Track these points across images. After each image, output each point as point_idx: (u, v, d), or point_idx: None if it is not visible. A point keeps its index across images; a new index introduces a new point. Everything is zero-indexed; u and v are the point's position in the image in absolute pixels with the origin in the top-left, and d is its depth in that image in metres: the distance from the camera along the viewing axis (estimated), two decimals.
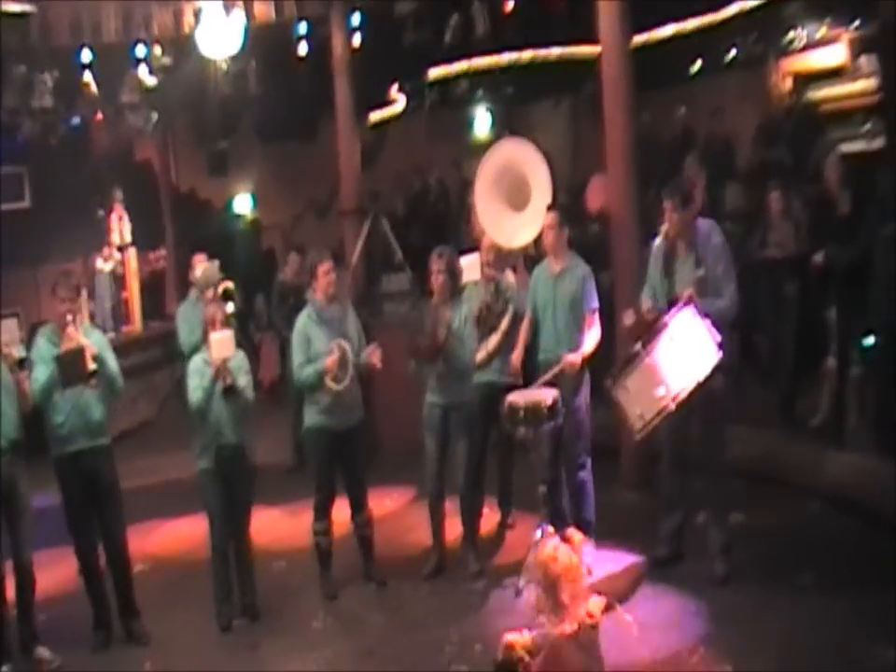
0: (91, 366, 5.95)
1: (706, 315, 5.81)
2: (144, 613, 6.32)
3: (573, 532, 3.87)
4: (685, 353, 5.76)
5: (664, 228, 6.23)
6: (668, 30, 11.58)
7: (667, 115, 11.89)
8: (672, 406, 5.69)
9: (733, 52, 12.41)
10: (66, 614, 6.52)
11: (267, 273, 10.02)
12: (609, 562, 6.40)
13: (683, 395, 5.70)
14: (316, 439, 6.57)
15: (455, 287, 6.63)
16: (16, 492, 5.94)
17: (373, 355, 6.47)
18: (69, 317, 6.06)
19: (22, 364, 5.86)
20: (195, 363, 6.34)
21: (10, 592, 6.02)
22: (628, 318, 6.33)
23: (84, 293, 7.35)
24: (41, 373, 6.02)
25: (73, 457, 6.12)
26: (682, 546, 6.34)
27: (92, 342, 6.11)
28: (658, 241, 6.36)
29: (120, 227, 12.60)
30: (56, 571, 6.90)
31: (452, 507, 6.71)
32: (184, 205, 14.24)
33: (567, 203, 10.05)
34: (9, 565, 5.99)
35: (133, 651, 6.13)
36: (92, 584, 6.25)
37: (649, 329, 5.90)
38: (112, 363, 6.18)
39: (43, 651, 6.06)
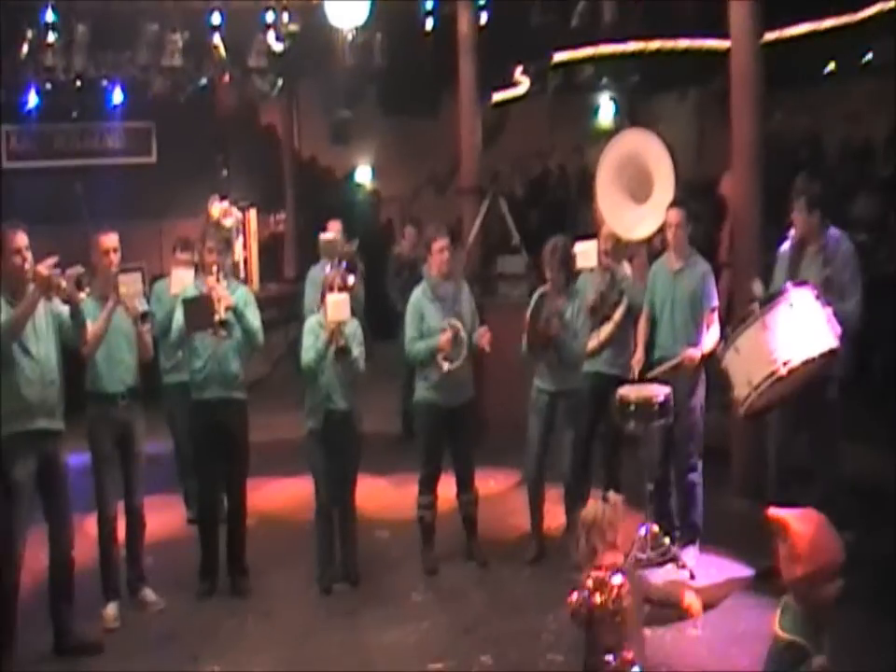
0: (221, 316, 6.07)
1: (827, 306, 5.67)
2: (248, 567, 6.44)
3: (613, 494, 4.16)
4: (802, 323, 5.60)
5: (792, 232, 6.12)
6: (802, 28, 11.30)
7: (797, 116, 11.64)
8: (783, 371, 5.52)
9: (868, 55, 12.05)
10: (171, 560, 6.71)
11: (385, 244, 10.08)
12: (713, 568, 6.35)
13: (796, 363, 5.52)
14: (425, 413, 6.61)
15: (567, 278, 6.57)
16: (131, 437, 6.10)
17: (483, 337, 6.46)
18: (214, 268, 6.21)
19: (145, 317, 6.00)
20: (310, 323, 6.42)
21: (120, 533, 6.18)
22: (757, 287, 6.21)
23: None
24: (179, 316, 6.21)
25: (207, 405, 6.28)
26: None
27: (236, 296, 6.24)
28: (785, 245, 6.24)
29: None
30: (164, 517, 7.14)
31: (558, 494, 6.68)
32: (305, 172, 14.41)
33: (689, 198, 9.97)
34: (121, 507, 6.15)
35: (236, 602, 6.26)
36: (206, 533, 6.39)
37: None
38: (252, 318, 6.29)
39: (149, 593, 6.24)
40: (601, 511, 4.07)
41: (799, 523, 3.49)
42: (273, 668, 5.48)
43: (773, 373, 5.57)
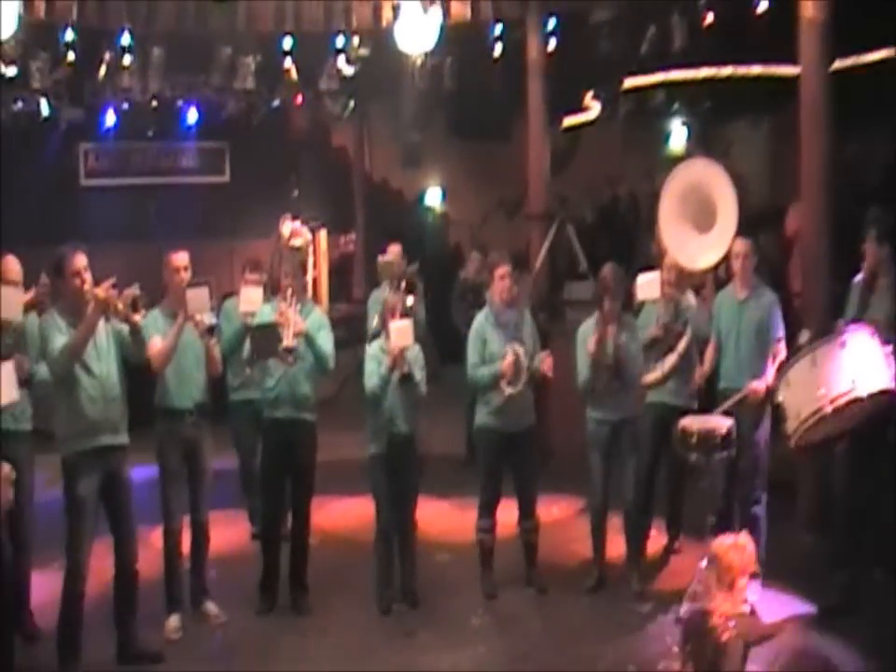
0: (288, 343, 6.13)
1: (887, 344, 5.59)
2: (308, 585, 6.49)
3: (745, 537, 4.15)
4: (854, 363, 5.55)
5: (865, 264, 6.05)
6: (879, 54, 11.13)
7: (873, 145, 11.45)
8: (828, 409, 5.48)
9: None
10: (234, 574, 6.80)
11: (453, 268, 10.14)
12: (774, 604, 6.25)
13: (842, 401, 5.47)
14: (486, 438, 6.62)
15: (621, 307, 6.54)
16: (199, 452, 6.19)
17: (545, 363, 6.45)
18: (288, 291, 6.29)
19: (212, 331, 6.08)
20: (372, 349, 6.48)
21: (185, 547, 6.27)
22: (803, 337, 6.14)
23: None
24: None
25: (277, 424, 6.36)
26: (856, 599, 6.08)
27: (310, 319, 6.32)
28: (859, 277, 6.16)
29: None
30: (229, 532, 7.23)
31: (620, 524, 6.64)
32: (375, 193, 14.55)
33: (760, 227, 9.88)
34: (186, 521, 6.25)
35: (295, 619, 6.32)
36: (269, 550, 6.45)
37: None
38: (324, 342, 6.35)
39: (211, 606, 6.32)
40: (727, 548, 4.03)
41: None
42: None
43: (819, 409, 5.55)
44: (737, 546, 4.04)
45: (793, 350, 6.08)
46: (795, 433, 5.70)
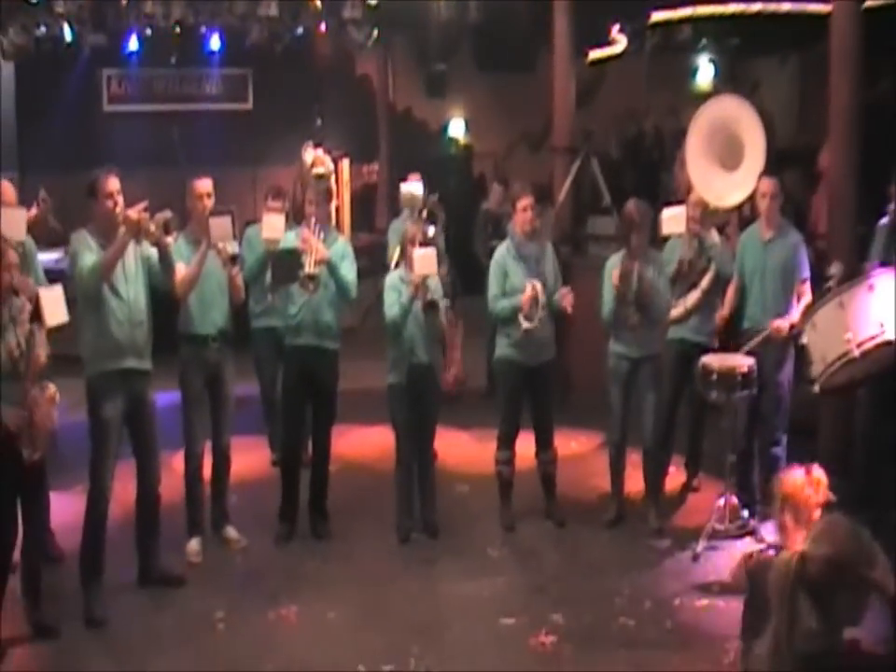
0: (310, 270, 6.11)
1: None
2: (329, 512, 6.56)
3: (817, 469, 3.87)
4: (882, 306, 5.49)
5: (891, 207, 5.96)
6: None
7: None
8: (856, 352, 5.44)
9: None
10: (255, 500, 6.86)
11: (476, 199, 10.08)
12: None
13: (870, 345, 5.44)
14: (505, 370, 6.62)
15: (647, 242, 6.48)
16: (221, 378, 6.22)
17: (565, 298, 6.42)
18: (312, 219, 6.28)
19: (234, 260, 6.06)
20: (391, 279, 6.45)
21: (206, 472, 6.33)
22: (834, 268, 6.09)
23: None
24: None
25: (299, 351, 6.37)
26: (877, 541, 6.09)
27: (333, 248, 6.29)
28: (884, 220, 6.08)
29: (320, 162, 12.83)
30: (249, 458, 7.29)
31: (639, 459, 6.66)
32: (399, 123, 14.40)
33: (788, 165, 9.75)
34: (207, 446, 6.30)
35: (315, 545, 6.39)
36: (289, 476, 6.49)
37: None
38: (347, 272, 6.33)
39: (231, 531, 6.39)
40: (801, 484, 3.81)
41: None
42: (349, 612, 5.58)
43: (846, 353, 5.50)
44: (812, 480, 3.93)
45: (822, 286, 6.00)
46: (821, 376, 5.67)
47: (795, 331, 6.22)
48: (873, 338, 5.45)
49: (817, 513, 3.68)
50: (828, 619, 2.84)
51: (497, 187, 9.84)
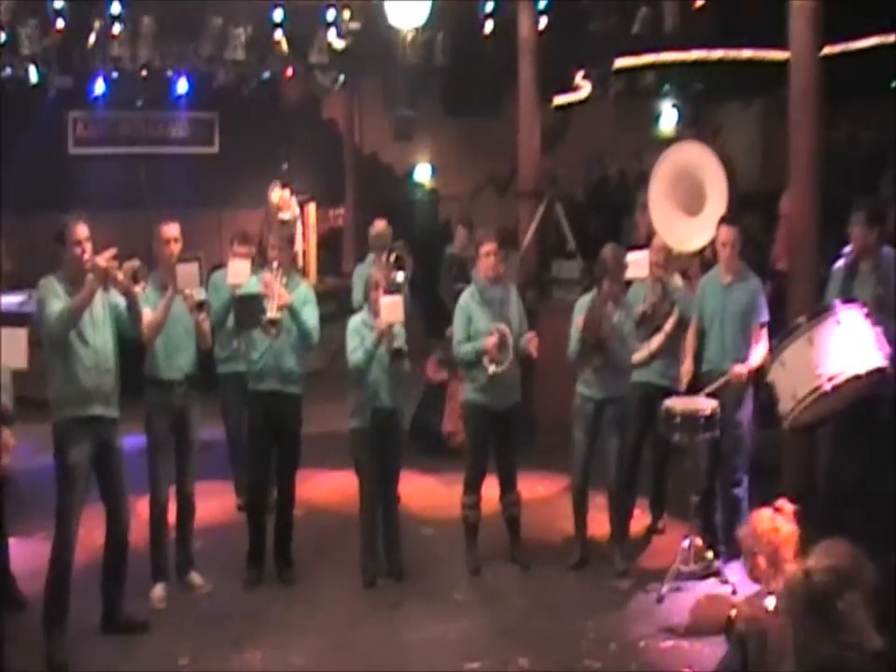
0: (272, 315, 6.14)
1: (877, 325, 5.64)
2: (294, 557, 6.54)
3: (784, 502, 3.93)
4: (850, 341, 5.60)
5: (847, 249, 6.10)
6: (870, 42, 11.17)
7: (862, 130, 11.52)
8: (828, 387, 5.53)
9: None
10: (220, 545, 6.83)
11: (442, 243, 10.14)
12: (756, 586, 6.31)
13: (840, 379, 5.53)
14: (472, 415, 6.65)
15: (618, 287, 6.55)
16: (187, 423, 6.21)
17: (531, 343, 6.48)
18: (275, 264, 6.30)
19: (201, 306, 6.07)
20: (354, 323, 6.47)
21: (171, 517, 6.30)
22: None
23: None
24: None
25: (262, 396, 6.37)
26: None
27: (296, 293, 6.32)
28: (840, 262, 6.21)
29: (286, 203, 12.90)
30: (215, 503, 7.25)
31: (604, 501, 6.69)
32: (366, 167, 14.50)
33: (751, 209, 9.91)
34: (172, 491, 6.27)
35: (280, 590, 6.35)
36: (254, 522, 6.48)
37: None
38: (308, 317, 6.35)
39: (196, 577, 6.36)
40: (771, 525, 3.86)
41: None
42: (314, 657, 5.55)
43: (817, 388, 5.59)
44: (780, 518, 3.89)
45: (787, 330, 6.08)
46: (791, 413, 5.74)
47: (753, 374, 6.31)
48: (843, 372, 5.54)
49: (789, 551, 3.70)
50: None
51: (461, 229, 9.93)
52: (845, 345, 5.60)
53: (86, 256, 5.41)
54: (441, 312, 9.02)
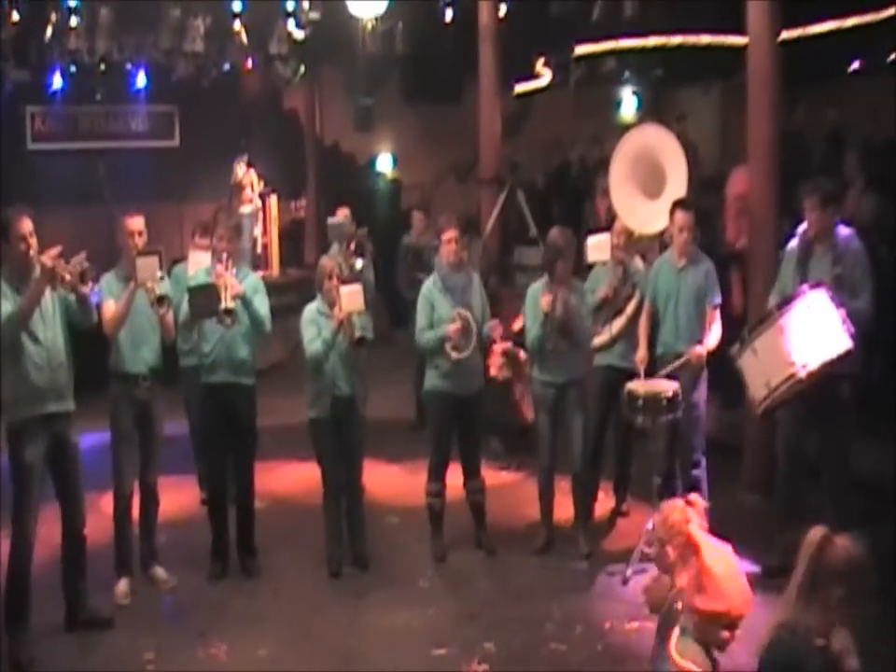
0: (227, 304, 6.11)
1: (841, 306, 5.70)
2: (259, 548, 6.53)
3: (696, 497, 3.92)
4: (820, 325, 5.66)
5: (802, 228, 6.15)
6: (826, 26, 11.25)
7: (820, 113, 11.61)
8: (802, 374, 5.60)
9: (893, 55, 11.96)
10: (184, 539, 6.80)
11: (404, 232, 10.13)
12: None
13: (814, 366, 5.59)
14: (435, 402, 6.66)
15: (569, 268, 6.55)
16: (151, 416, 6.18)
17: (494, 330, 6.50)
18: (224, 255, 6.26)
19: (162, 300, 6.00)
20: (309, 313, 6.43)
21: (135, 511, 6.26)
22: (772, 303, 6.24)
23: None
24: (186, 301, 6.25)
25: (214, 388, 6.35)
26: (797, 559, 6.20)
27: (246, 283, 6.28)
28: (793, 242, 6.26)
29: (249, 180, 12.83)
30: (179, 497, 7.23)
31: (568, 486, 6.72)
32: (327, 158, 14.42)
33: (709, 192, 9.98)
34: (136, 485, 6.23)
35: (245, 582, 6.35)
36: (216, 515, 6.47)
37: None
38: (261, 306, 6.33)
39: (160, 571, 6.33)
40: (682, 517, 3.84)
41: (712, 557, 3.46)
42: (280, 647, 5.55)
43: (791, 376, 5.64)
44: (691, 511, 3.89)
45: (759, 318, 6.09)
46: (764, 401, 5.80)
47: (713, 354, 6.36)
48: (815, 358, 5.60)
49: (721, 569, 3.67)
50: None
51: (417, 214, 9.88)
52: (815, 330, 5.65)
53: (31, 251, 5.34)
54: (404, 300, 9.04)
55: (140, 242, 6.07)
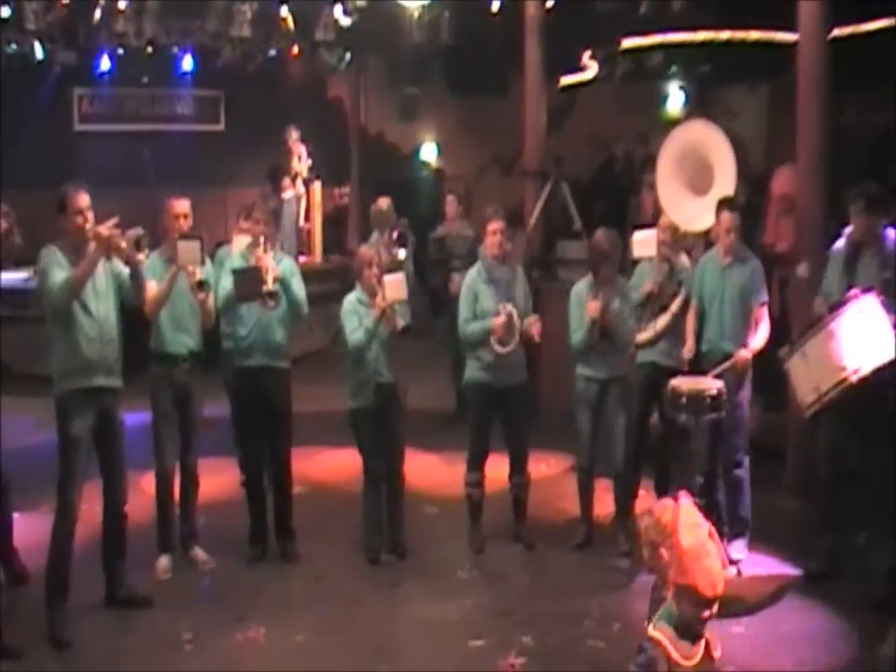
0: (270, 287, 6.12)
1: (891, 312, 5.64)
2: (296, 534, 6.54)
3: (685, 494, 3.85)
4: (871, 331, 5.60)
5: (848, 229, 6.06)
6: (879, 24, 11.08)
7: (870, 115, 11.46)
8: (853, 379, 5.54)
9: None
10: (224, 521, 6.82)
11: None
12: (760, 567, 6.33)
13: (866, 371, 5.54)
14: (476, 393, 6.63)
15: (613, 270, 6.51)
16: (190, 398, 6.21)
17: (533, 326, 6.44)
18: (261, 239, 6.26)
19: (202, 285, 6.02)
20: (349, 303, 6.42)
21: (175, 492, 6.30)
22: (801, 270, 6.14)
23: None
24: (227, 283, 6.26)
25: (250, 372, 6.35)
26: (839, 563, 6.13)
27: (281, 266, 6.28)
28: (839, 244, 6.17)
29: (297, 163, 12.84)
30: (220, 479, 7.25)
31: (609, 483, 6.68)
32: (371, 146, 14.44)
33: (755, 191, 9.87)
34: (176, 466, 6.26)
35: (283, 567, 6.36)
36: (254, 499, 6.50)
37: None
38: (298, 289, 6.34)
39: (199, 552, 6.36)
40: (672, 517, 3.65)
41: (684, 532, 3.41)
42: (317, 633, 5.55)
43: (842, 380, 5.59)
44: (681, 511, 3.82)
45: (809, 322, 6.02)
46: (813, 405, 5.76)
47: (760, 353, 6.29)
48: (867, 364, 5.55)
49: (689, 542, 3.61)
50: None
51: (450, 197, 9.74)
52: (866, 336, 5.60)
53: (87, 225, 5.38)
54: (443, 290, 8.99)
55: (185, 225, 6.10)
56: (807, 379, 5.75)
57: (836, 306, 5.76)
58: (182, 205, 6.13)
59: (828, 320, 5.70)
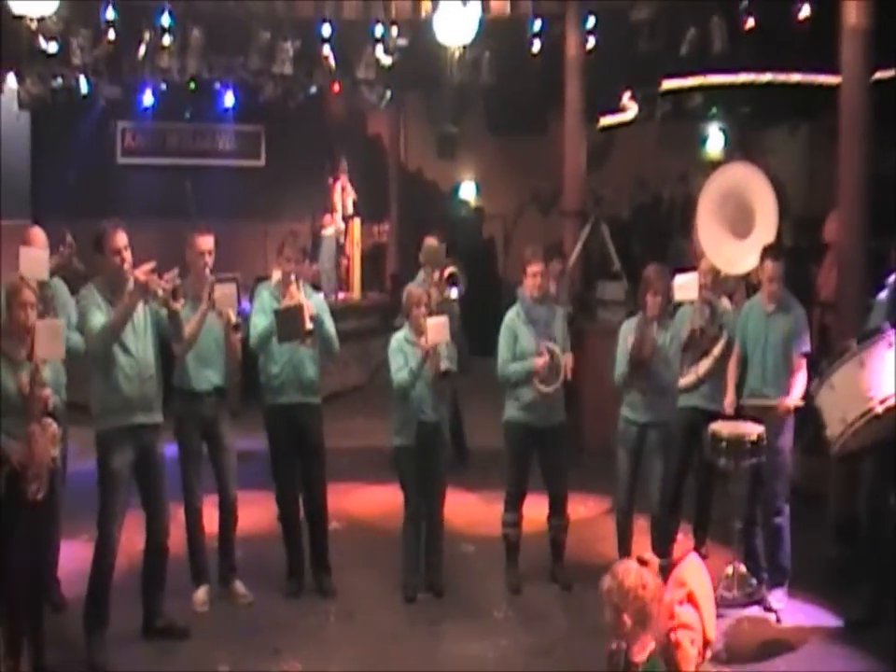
0: (309, 325, 6.15)
1: None
2: (334, 569, 6.52)
3: (650, 556, 3.83)
4: None
5: (894, 278, 6.02)
6: None
7: None
8: (879, 409, 5.50)
9: None
10: (262, 554, 6.82)
11: (487, 261, 10.13)
12: (801, 613, 6.24)
13: (893, 401, 5.48)
14: (514, 433, 6.61)
15: (665, 307, 6.51)
16: (218, 433, 6.25)
17: (566, 365, 6.45)
18: (292, 276, 6.29)
19: (237, 327, 6.04)
20: (397, 342, 6.45)
21: (213, 525, 6.32)
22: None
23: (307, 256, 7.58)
24: (261, 322, 6.29)
25: (283, 409, 6.37)
26: (882, 611, 6.05)
27: (312, 303, 6.30)
28: (884, 293, 6.13)
29: (343, 197, 12.98)
30: (257, 512, 7.21)
31: (647, 525, 6.63)
32: (410, 183, 14.55)
33: (797, 234, 9.84)
34: (215, 500, 6.29)
35: (320, 602, 6.35)
36: (290, 533, 6.50)
37: None
38: (329, 326, 6.38)
39: (240, 586, 6.36)
40: (637, 580, 3.66)
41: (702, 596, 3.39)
42: (351, 668, 5.55)
43: (868, 410, 5.55)
44: (648, 573, 3.70)
45: (836, 353, 6.00)
46: (840, 438, 5.70)
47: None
48: (894, 394, 5.49)
49: (656, 607, 3.53)
50: None
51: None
52: (894, 368, 5.54)
53: (126, 265, 5.43)
54: (485, 330, 8.96)
55: (209, 261, 6.11)
56: (835, 409, 5.71)
57: (865, 337, 5.73)
58: (206, 242, 6.14)
59: (856, 351, 5.67)
